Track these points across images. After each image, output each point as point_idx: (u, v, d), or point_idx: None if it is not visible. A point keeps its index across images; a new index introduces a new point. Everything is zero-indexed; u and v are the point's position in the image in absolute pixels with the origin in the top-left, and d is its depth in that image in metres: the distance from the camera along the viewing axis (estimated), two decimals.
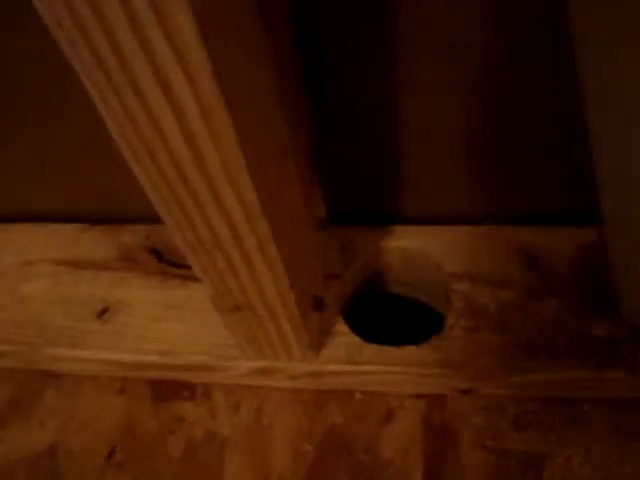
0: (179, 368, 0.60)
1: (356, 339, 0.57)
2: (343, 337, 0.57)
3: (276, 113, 0.41)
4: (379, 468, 0.59)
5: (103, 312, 0.63)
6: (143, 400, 0.65)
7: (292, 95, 0.48)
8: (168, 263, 0.64)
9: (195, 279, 0.47)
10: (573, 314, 0.57)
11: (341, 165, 0.59)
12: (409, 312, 0.67)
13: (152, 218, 0.44)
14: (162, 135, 0.32)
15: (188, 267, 0.46)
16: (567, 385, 0.57)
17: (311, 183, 0.54)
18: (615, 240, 0.47)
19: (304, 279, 0.51)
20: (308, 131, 0.52)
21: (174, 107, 0.30)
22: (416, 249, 0.60)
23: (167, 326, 0.60)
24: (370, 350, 0.56)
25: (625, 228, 0.44)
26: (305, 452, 0.60)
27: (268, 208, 0.39)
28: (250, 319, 0.50)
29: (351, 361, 0.56)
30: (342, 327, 0.57)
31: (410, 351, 0.56)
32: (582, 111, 0.39)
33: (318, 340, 0.57)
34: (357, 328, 0.60)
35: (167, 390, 0.65)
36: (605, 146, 0.38)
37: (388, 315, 0.67)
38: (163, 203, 0.37)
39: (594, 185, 0.45)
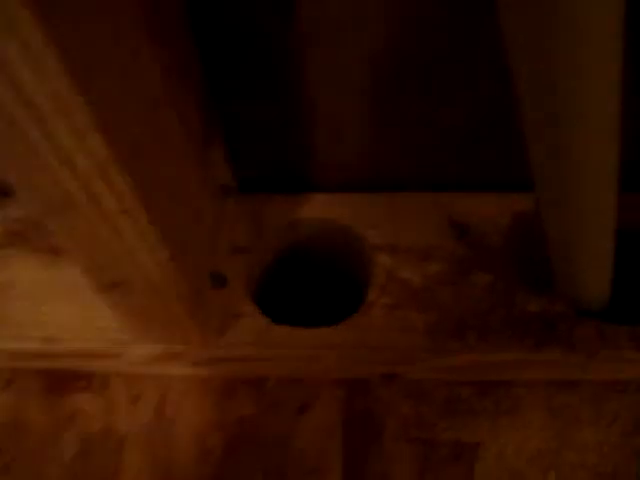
0: (66, 356, 0.53)
1: (264, 320, 0.50)
2: (250, 318, 0.51)
3: (138, 52, 0.33)
4: (294, 464, 0.52)
5: None
6: (32, 393, 0.58)
7: (167, 36, 0.40)
8: None
9: None
10: (506, 289, 0.51)
11: (248, 128, 0.52)
12: (331, 287, 0.60)
13: None
14: None
15: None
16: (500, 367, 0.51)
17: (208, 144, 0.47)
18: (547, 210, 0.41)
19: (196, 251, 0.44)
20: (198, 83, 0.45)
21: None
22: (334, 219, 0.54)
23: (53, 309, 0.53)
24: (280, 332, 0.50)
25: (557, 198, 0.38)
26: (212, 448, 0.54)
27: (130, 163, 0.32)
28: (131, 297, 0.43)
29: (257, 344, 0.50)
30: (249, 307, 0.51)
31: (325, 332, 0.50)
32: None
33: (221, 322, 0.50)
34: (271, 308, 0.53)
35: (60, 381, 0.58)
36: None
37: (309, 291, 0.61)
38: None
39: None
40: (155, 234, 0.37)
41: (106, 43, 0.30)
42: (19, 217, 0.60)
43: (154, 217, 0.36)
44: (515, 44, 0.29)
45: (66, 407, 0.57)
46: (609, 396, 0.53)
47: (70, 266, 0.55)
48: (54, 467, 0.55)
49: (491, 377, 0.53)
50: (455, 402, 0.54)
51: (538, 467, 0.51)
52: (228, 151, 0.52)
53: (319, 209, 0.55)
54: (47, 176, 0.32)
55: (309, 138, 0.52)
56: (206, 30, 0.44)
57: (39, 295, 0.54)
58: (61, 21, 0.25)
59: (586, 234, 0.41)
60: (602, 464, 0.51)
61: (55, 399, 0.57)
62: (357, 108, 0.50)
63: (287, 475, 0.52)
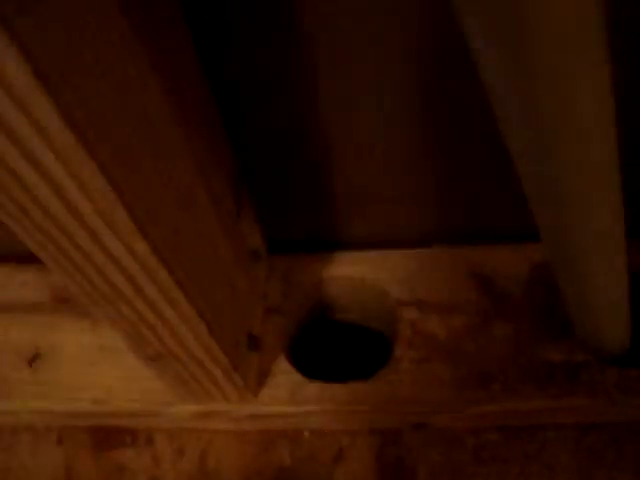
0: (114, 415, 0.56)
1: (298, 377, 0.53)
2: (284, 375, 0.53)
3: (171, 150, 0.37)
4: None
5: (34, 359, 0.59)
6: (82, 449, 0.61)
7: (203, 122, 0.44)
8: None
9: None
10: (528, 338, 0.53)
11: (276, 191, 0.55)
12: (361, 340, 0.63)
13: None
14: (27, 189, 0.28)
15: None
16: (525, 415, 0.53)
17: (237, 212, 0.51)
18: (555, 266, 0.44)
19: (232, 319, 0.47)
20: (228, 155, 0.48)
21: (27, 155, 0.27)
22: (360, 276, 0.57)
23: (100, 371, 0.56)
24: (313, 388, 0.53)
25: (559, 253, 0.40)
26: None
27: (166, 255, 0.35)
28: (175, 366, 0.46)
29: (293, 401, 0.52)
30: (284, 365, 0.54)
31: (356, 387, 0.52)
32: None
33: (257, 380, 0.53)
34: (305, 361, 0.56)
35: (108, 437, 0.61)
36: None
37: (339, 344, 0.63)
38: (48, 258, 0.34)
39: None
40: (194, 312, 0.40)
41: (142, 140, 0.33)
42: (62, 282, 0.63)
43: (192, 298, 0.39)
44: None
45: (113, 461, 0.60)
46: (632, 438, 0.54)
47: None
48: None
49: (518, 423, 0.55)
50: (484, 448, 0.56)
51: None
52: (258, 218, 0.55)
53: (346, 267, 0.57)
54: (96, 271, 0.35)
55: (335, 199, 0.55)
56: (239, 112, 0.47)
57: (87, 358, 0.57)
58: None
59: (596, 286, 0.43)
60: None
61: (103, 454, 0.60)
62: (380, 166, 0.53)
63: None
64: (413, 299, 0.55)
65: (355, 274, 0.57)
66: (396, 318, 0.55)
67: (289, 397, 0.53)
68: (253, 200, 0.55)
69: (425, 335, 0.54)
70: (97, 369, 0.57)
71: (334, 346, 0.64)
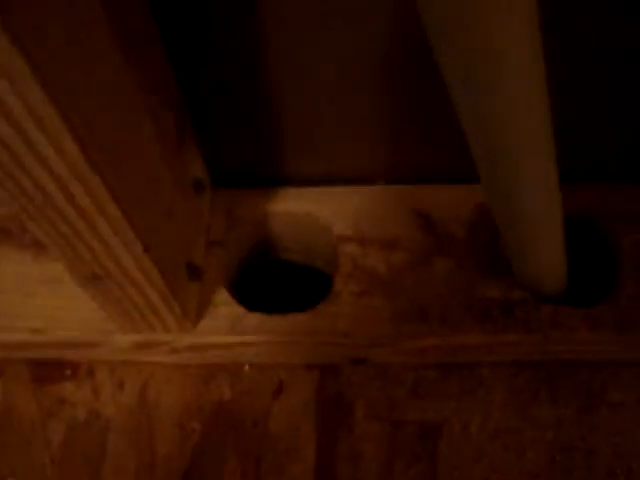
0: (54, 346, 0.56)
1: (239, 309, 0.53)
2: (225, 307, 0.53)
3: (113, 63, 0.36)
4: (269, 445, 0.55)
5: None
6: (22, 382, 0.61)
7: (146, 45, 0.43)
8: None
9: None
10: (467, 276, 0.54)
11: (221, 124, 0.54)
12: (305, 278, 0.63)
13: None
14: None
15: None
16: (462, 350, 0.54)
17: (181, 142, 0.50)
18: (493, 209, 0.44)
19: (171, 245, 0.47)
20: (170, 80, 0.48)
21: None
22: (305, 212, 0.57)
23: (39, 301, 0.56)
24: (253, 319, 0.53)
25: (497, 195, 0.41)
26: (191, 431, 0.57)
27: (99, 161, 0.34)
28: (112, 289, 0.46)
29: (233, 331, 0.53)
30: (224, 296, 0.54)
31: (296, 319, 0.53)
32: None
33: (197, 310, 0.53)
34: (246, 297, 0.56)
35: (48, 370, 0.61)
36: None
37: (282, 282, 0.64)
38: None
39: None
40: (129, 229, 0.39)
41: (82, 52, 0.33)
42: (3, 214, 0.62)
43: (128, 213, 0.39)
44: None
45: (53, 395, 0.60)
46: (565, 375, 0.56)
47: (54, 259, 0.58)
48: (42, 451, 0.57)
49: (455, 360, 0.56)
50: (421, 384, 0.57)
51: (500, 443, 0.55)
52: (202, 148, 0.55)
53: (290, 202, 0.57)
54: (28, 179, 0.35)
55: (281, 132, 0.55)
56: (176, 30, 0.47)
57: (25, 288, 0.57)
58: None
59: (532, 230, 0.44)
60: (559, 439, 0.54)
61: (43, 388, 0.60)
62: (327, 103, 0.52)
63: (263, 455, 0.55)
64: (355, 235, 0.56)
65: (299, 210, 0.57)
66: (337, 253, 0.55)
67: (228, 328, 0.53)
68: (198, 130, 0.54)
69: (365, 270, 0.54)
70: (36, 300, 0.56)
71: (279, 287, 0.64)
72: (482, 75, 0.30)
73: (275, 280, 0.63)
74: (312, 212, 0.57)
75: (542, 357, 0.55)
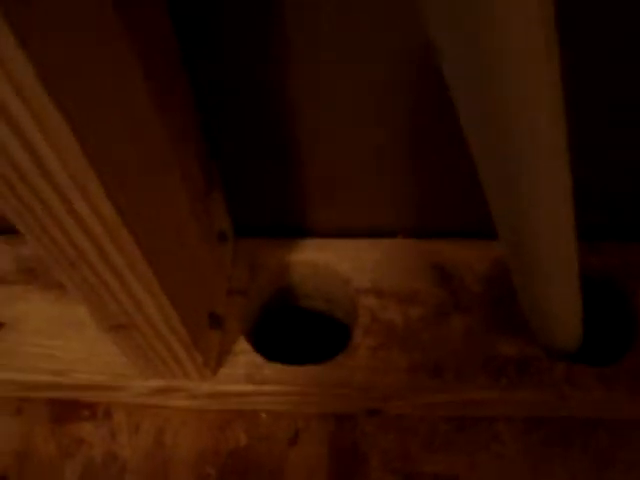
0: (74, 388, 0.57)
1: (257, 358, 0.54)
2: (244, 356, 0.54)
3: (145, 118, 0.38)
4: None
5: None
6: (41, 421, 0.62)
7: (175, 97, 0.45)
8: None
9: None
10: (483, 331, 0.55)
11: (246, 176, 0.56)
12: (326, 330, 0.64)
13: None
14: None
15: None
16: (476, 406, 0.55)
17: (206, 193, 0.52)
18: (510, 260, 0.45)
19: (195, 296, 0.48)
20: (197, 135, 0.49)
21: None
22: (325, 263, 0.58)
23: (63, 344, 0.57)
24: (271, 369, 0.54)
25: (515, 246, 0.42)
26: (207, 476, 0.57)
27: (131, 220, 0.36)
28: (135, 337, 0.47)
29: (251, 380, 0.53)
30: (244, 345, 0.55)
31: (313, 370, 0.54)
32: None
33: (217, 359, 0.54)
34: (267, 345, 0.57)
35: (66, 410, 0.62)
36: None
37: (303, 331, 0.65)
38: (14, 214, 0.34)
39: None
40: (156, 282, 0.41)
41: (113, 104, 0.34)
42: (28, 254, 0.64)
43: (154, 266, 0.40)
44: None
45: (71, 435, 0.60)
46: (580, 432, 0.56)
47: (77, 302, 0.59)
48: None
49: (468, 414, 0.56)
50: (436, 437, 0.57)
51: None
52: (226, 200, 0.56)
53: (311, 253, 0.59)
54: (62, 232, 0.36)
55: (303, 186, 0.56)
56: (212, 90, 0.48)
57: (49, 330, 0.58)
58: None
59: (548, 287, 0.45)
60: None
61: (62, 427, 0.61)
62: (349, 163, 0.54)
63: None
64: (373, 287, 0.57)
65: (319, 260, 0.58)
66: (356, 305, 0.56)
67: (247, 376, 0.54)
68: (222, 183, 0.56)
69: (383, 323, 0.55)
70: (59, 342, 0.57)
71: (298, 335, 0.65)
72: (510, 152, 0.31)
73: (295, 327, 0.64)
74: (332, 263, 0.58)
75: (556, 414, 0.56)
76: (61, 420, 0.61)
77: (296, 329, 0.65)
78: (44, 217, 0.35)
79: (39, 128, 0.28)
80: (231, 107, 0.50)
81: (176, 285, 0.44)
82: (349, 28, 0.43)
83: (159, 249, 0.41)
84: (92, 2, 0.30)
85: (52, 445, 0.60)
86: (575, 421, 0.56)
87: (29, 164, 0.30)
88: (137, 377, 0.54)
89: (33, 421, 0.62)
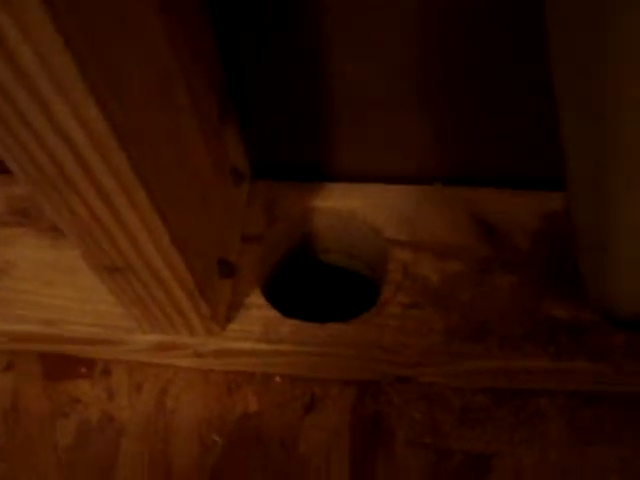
0: (68, 340, 0.51)
1: (273, 313, 0.48)
2: (258, 310, 0.48)
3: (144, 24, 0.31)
4: (297, 467, 0.50)
5: None
6: (33, 377, 0.56)
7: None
8: None
9: None
10: (531, 292, 0.48)
11: (265, 106, 0.49)
12: (345, 283, 0.57)
13: None
14: None
15: None
16: (522, 375, 0.48)
17: (220, 124, 0.45)
18: (580, 217, 0.38)
19: (202, 238, 0.42)
20: (214, 60, 0.43)
21: None
22: (351, 210, 0.51)
23: (55, 291, 0.51)
24: (289, 326, 0.47)
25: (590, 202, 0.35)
26: (212, 444, 0.51)
27: (129, 140, 0.29)
28: (134, 283, 0.40)
29: (265, 338, 0.47)
30: (258, 299, 0.48)
31: (336, 329, 0.47)
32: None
33: (227, 312, 0.47)
34: (281, 300, 0.50)
35: (61, 366, 0.56)
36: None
37: (320, 286, 0.58)
38: None
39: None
40: (155, 215, 0.34)
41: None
42: (21, 194, 0.58)
43: (155, 198, 0.34)
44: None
45: (66, 393, 0.55)
46: (635, 411, 0.49)
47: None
48: (49, 454, 0.53)
49: (511, 385, 0.50)
50: (471, 410, 0.51)
51: None
52: (242, 133, 0.49)
53: (336, 199, 0.52)
54: (40, 149, 0.30)
55: (329, 121, 0.50)
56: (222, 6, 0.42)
57: (42, 276, 0.52)
58: None
59: (621, 233, 0.38)
60: None
61: (54, 384, 0.55)
62: (380, 93, 0.47)
63: (289, 477, 0.49)
64: (407, 239, 0.50)
65: (345, 207, 0.51)
66: (386, 259, 0.49)
67: (261, 333, 0.47)
68: (239, 115, 0.49)
69: (417, 279, 0.49)
70: (52, 289, 0.51)
71: (317, 289, 0.58)
72: None
73: (313, 284, 0.58)
74: (359, 211, 0.51)
75: (611, 390, 0.49)
76: (55, 377, 0.56)
77: (314, 285, 0.58)
78: (16, 125, 0.28)
79: None
80: (251, 29, 0.43)
81: (180, 222, 0.37)
82: None
83: (159, 175, 0.34)
84: None
85: (44, 403, 0.55)
86: (632, 399, 0.49)
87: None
88: (136, 331, 0.48)
89: (24, 377, 0.56)
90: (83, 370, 0.55)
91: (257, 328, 0.48)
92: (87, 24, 0.25)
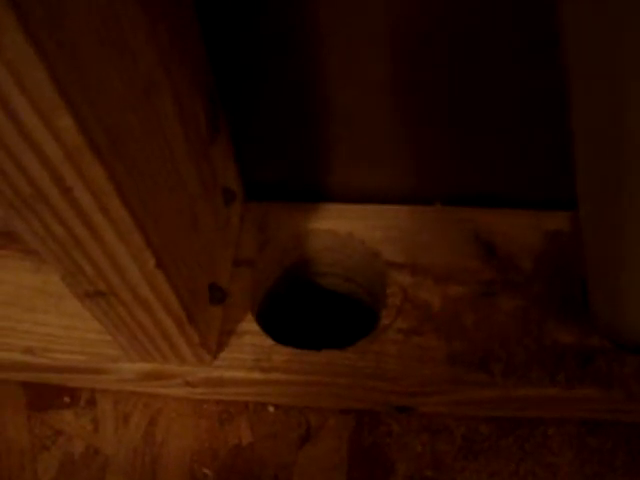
0: (51, 369, 0.49)
1: (266, 340, 0.45)
2: (250, 337, 0.46)
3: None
4: None
5: None
6: (15, 407, 0.53)
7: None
8: None
9: None
10: (536, 316, 0.46)
11: (258, 124, 0.47)
12: (341, 308, 0.55)
13: None
14: None
15: None
16: (527, 404, 0.46)
17: (211, 140, 0.43)
18: (590, 226, 0.36)
19: (191, 260, 0.40)
20: (204, 72, 0.41)
21: None
22: (348, 232, 0.49)
23: (38, 318, 0.48)
24: (282, 354, 0.45)
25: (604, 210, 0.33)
26: (203, 479, 0.48)
27: (106, 152, 0.27)
28: (118, 309, 0.38)
29: (258, 367, 0.45)
30: (251, 325, 0.46)
31: (333, 356, 0.45)
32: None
33: (218, 340, 0.45)
34: (274, 327, 0.48)
35: (44, 395, 0.54)
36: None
37: (316, 311, 0.56)
38: None
39: (566, 162, 0.34)
40: (137, 235, 0.32)
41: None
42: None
43: (137, 216, 0.31)
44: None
45: (48, 424, 0.52)
46: None
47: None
48: None
49: (516, 414, 0.47)
50: (475, 441, 0.48)
51: None
52: (235, 153, 0.47)
53: (332, 220, 0.50)
54: (15, 167, 0.27)
55: (324, 141, 0.48)
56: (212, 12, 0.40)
57: (25, 302, 0.50)
58: None
59: (634, 258, 0.36)
60: None
61: (37, 415, 0.53)
62: (378, 109, 0.45)
63: None
64: (406, 261, 0.48)
65: (341, 229, 0.49)
66: (385, 282, 0.47)
67: (254, 362, 0.45)
68: (232, 135, 0.47)
69: (417, 303, 0.46)
70: (35, 315, 0.49)
71: (312, 314, 0.56)
72: None
73: (308, 309, 0.55)
74: (356, 233, 0.49)
75: (622, 418, 0.47)
76: (38, 407, 0.53)
77: (312, 309, 0.56)
78: None
79: None
80: (242, 34, 0.41)
81: (166, 244, 0.35)
82: None
83: (141, 192, 0.32)
84: None
85: (25, 436, 0.52)
86: None
87: None
88: (123, 359, 0.46)
89: (6, 407, 0.53)
90: (67, 400, 0.53)
91: (250, 356, 0.45)
92: (60, 30, 0.23)
